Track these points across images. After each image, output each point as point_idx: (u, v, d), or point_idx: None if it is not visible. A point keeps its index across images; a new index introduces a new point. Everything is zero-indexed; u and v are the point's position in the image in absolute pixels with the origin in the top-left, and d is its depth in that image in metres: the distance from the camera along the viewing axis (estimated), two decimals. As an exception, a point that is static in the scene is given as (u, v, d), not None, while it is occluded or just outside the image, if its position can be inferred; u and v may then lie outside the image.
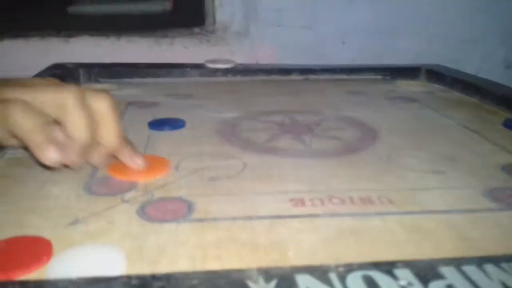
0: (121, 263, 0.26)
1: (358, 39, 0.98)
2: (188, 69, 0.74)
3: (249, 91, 0.68)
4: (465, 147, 0.45)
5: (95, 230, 0.29)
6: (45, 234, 0.28)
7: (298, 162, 0.41)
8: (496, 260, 0.24)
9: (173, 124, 0.50)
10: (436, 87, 0.72)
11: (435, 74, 0.75)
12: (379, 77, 0.77)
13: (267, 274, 0.22)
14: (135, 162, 0.37)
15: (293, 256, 0.27)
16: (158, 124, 0.50)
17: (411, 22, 0.98)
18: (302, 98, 0.64)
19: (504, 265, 0.23)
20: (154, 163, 0.38)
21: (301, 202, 0.33)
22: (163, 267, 0.25)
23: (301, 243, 0.28)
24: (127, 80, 0.72)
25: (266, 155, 0.42)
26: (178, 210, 0.32)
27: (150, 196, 0.34)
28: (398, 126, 0.52)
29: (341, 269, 0.22)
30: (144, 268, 0.25)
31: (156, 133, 0.48)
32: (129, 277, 0.21)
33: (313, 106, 0.59)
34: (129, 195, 0.34)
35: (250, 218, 0.31)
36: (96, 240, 0.28)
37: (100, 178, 0.37)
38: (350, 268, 0.22)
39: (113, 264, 0.26)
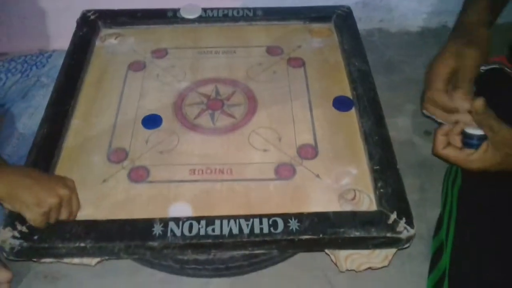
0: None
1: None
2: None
3: (205, 44, 1.01)
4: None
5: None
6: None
7: (204, 139, 0.83)
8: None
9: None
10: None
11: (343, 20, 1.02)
12: (300, 22, 1.03)
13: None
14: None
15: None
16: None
17: None
18: (236, 58, 0.97)
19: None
20: None
21: (197, 171, 0.78)
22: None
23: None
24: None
25: (190, 132, 0.84)
26: (142, 175, 0.78)
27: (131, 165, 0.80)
28: (276, 95, 0.89)
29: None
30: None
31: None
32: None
33: (238, 74, 0.93)
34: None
35: (169, 181, 0.77)
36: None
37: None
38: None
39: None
